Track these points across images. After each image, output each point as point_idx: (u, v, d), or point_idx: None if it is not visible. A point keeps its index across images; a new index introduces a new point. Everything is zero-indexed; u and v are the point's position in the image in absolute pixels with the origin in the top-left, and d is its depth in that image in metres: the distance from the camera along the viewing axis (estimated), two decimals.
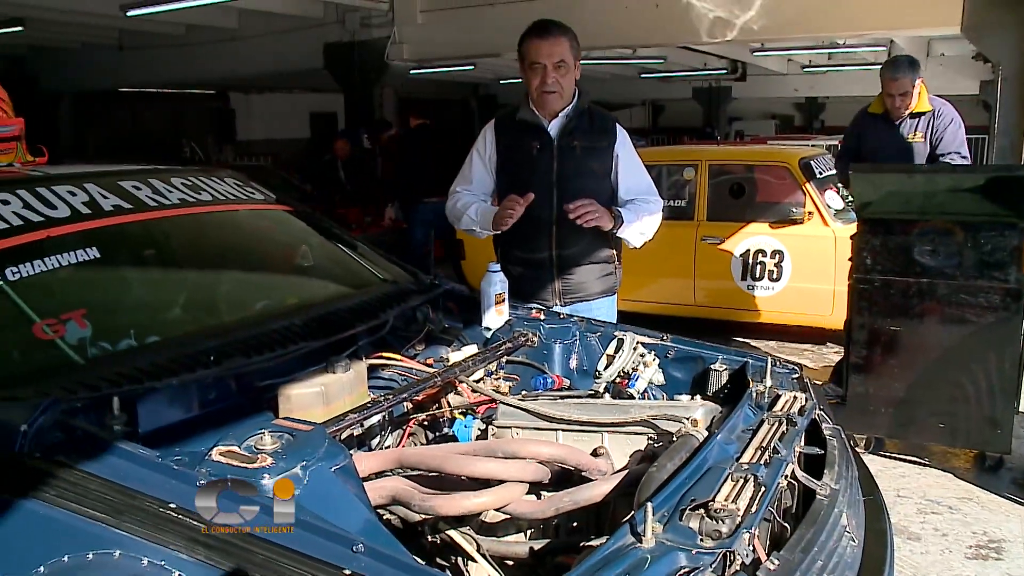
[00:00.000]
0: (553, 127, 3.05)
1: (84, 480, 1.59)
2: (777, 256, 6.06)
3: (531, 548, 1.89)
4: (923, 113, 4.70)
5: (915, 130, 4.72)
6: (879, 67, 4.87)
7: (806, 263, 5.93)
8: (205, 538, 1.46)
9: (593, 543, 1.79)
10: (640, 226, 3.05)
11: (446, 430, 2.37)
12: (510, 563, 1.94)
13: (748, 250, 6.18)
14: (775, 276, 6.08)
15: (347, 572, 1.34)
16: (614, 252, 3.17)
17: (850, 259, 4.17)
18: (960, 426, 3.91)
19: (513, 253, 3.13)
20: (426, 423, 2.38)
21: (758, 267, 6.14)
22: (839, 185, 6.39)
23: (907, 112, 4.69)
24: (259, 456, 1.59)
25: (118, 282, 2.37)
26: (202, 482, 1.53)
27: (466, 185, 3.20)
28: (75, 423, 1.72)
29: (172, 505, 1.51)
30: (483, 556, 1.88)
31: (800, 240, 5.98)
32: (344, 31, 10.44)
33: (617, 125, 3.16)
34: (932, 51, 14.59)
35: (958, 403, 3.89)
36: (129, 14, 8.81)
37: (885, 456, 4.08)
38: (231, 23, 11.07)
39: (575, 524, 1.99)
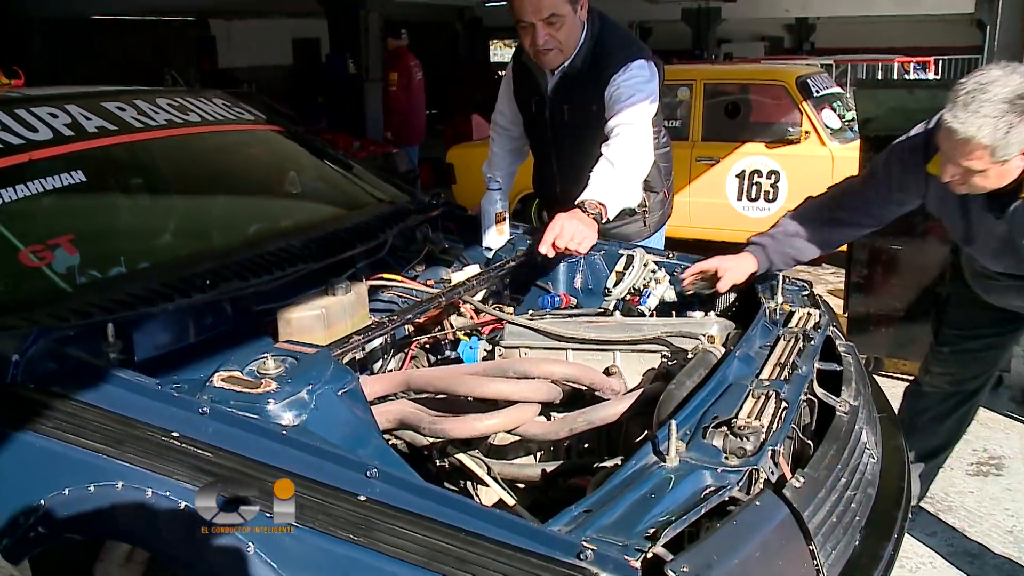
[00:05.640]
0: (550, 84, 2.70)
1: (82, 410, 1.53)
2: (773, 176, 5.96)
3: (543, 470, 1.86)
4: None
5: None
6: None
7: (802, 183, 5.78)
8: (211, 467, 1.40)
9: (607, 464, 1.76)
10: (621, 189, 2.50)
11: (448, 352, 2.32)
12: (521, 486, 1.91)
13: (744, 171, 6.08)
14: (771, 197, 5.99)
15: (362, 498, 1.28)
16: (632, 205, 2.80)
17: None
18: None
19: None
20: (428, 346, 2.33)
21: (754, 187, 6.04)
22: (835, 104, 6.28)
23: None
24: (263, 381, 1.53)
25: (106, 206, 2.27)
26: (204, 409, 1.47)
27: (501, 111, 3.00)
28: (68, 352, 1.65)
29: (175, 434, 1.45)
30: (494, 479, 1.84)
31: (796, 160, 5.87)
32: None
33: (627, 67, 2.56)
34: None
35: None
36: None
37: (884, 376, 4.05)
38: None
39: (586, 446, 1.96)
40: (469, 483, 1.91)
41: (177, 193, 2.51)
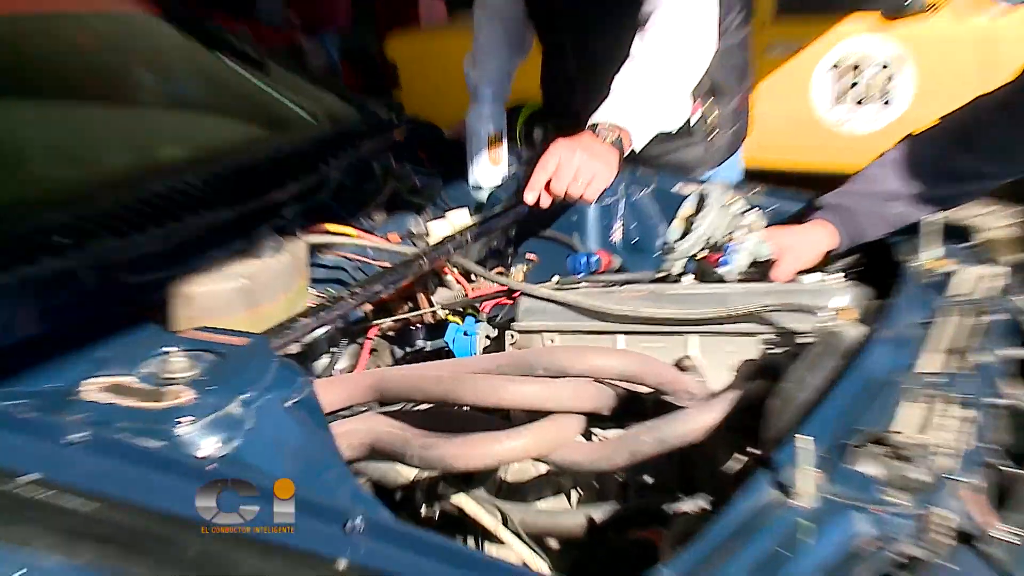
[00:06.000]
0: None
1: None
2: (888, 69, 6.03)
3: (589, 518, 1.86)
4: None
5: None
6: None
7: (936, 78, 5.89)
8: (93, 528, 1.37)
9: (688, 507, 1.77)
10: (655, 104, 2.49)
11: (421, 343, 2.39)
12: (554, 544, 1.92)
13: (840, 62, 6.18)
14: (886, 100, 6.09)
15: (342, 565, 1.26)
16: (687, 122, 2.89)
17: None
18: None
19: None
20: (393, 333, 2.37)
21: (857, 87, 6.15)
22: None
23: None
24: (168, 389, 1.51)
25: None
26: (75, 436, 1.45)
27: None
28: None
29: (30, 478, 1.41)
30: (515, 534, 1.85)
31: (925, 43, 5.95)
32: None
33: None
34: None
35: None
36: None
37: None
38: None
39: (648, 479, 1.98)
40: (473, 539, 1.92)
41: (7, 105, 2.49)
